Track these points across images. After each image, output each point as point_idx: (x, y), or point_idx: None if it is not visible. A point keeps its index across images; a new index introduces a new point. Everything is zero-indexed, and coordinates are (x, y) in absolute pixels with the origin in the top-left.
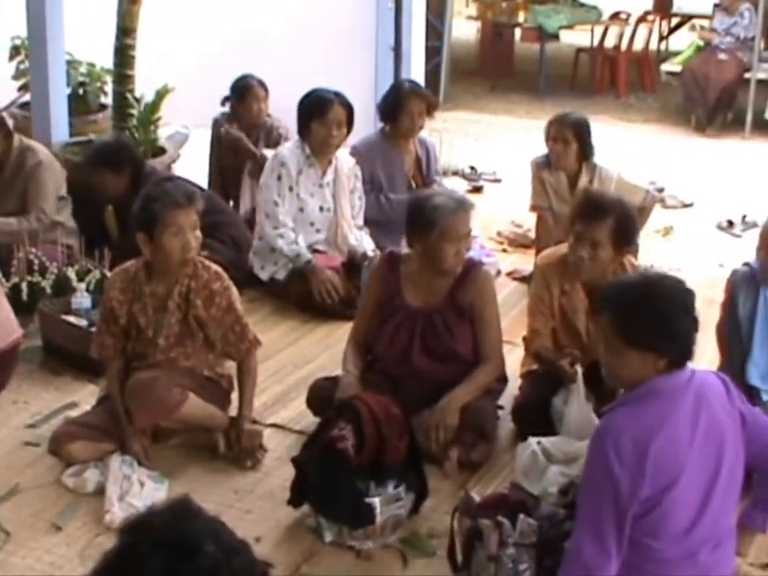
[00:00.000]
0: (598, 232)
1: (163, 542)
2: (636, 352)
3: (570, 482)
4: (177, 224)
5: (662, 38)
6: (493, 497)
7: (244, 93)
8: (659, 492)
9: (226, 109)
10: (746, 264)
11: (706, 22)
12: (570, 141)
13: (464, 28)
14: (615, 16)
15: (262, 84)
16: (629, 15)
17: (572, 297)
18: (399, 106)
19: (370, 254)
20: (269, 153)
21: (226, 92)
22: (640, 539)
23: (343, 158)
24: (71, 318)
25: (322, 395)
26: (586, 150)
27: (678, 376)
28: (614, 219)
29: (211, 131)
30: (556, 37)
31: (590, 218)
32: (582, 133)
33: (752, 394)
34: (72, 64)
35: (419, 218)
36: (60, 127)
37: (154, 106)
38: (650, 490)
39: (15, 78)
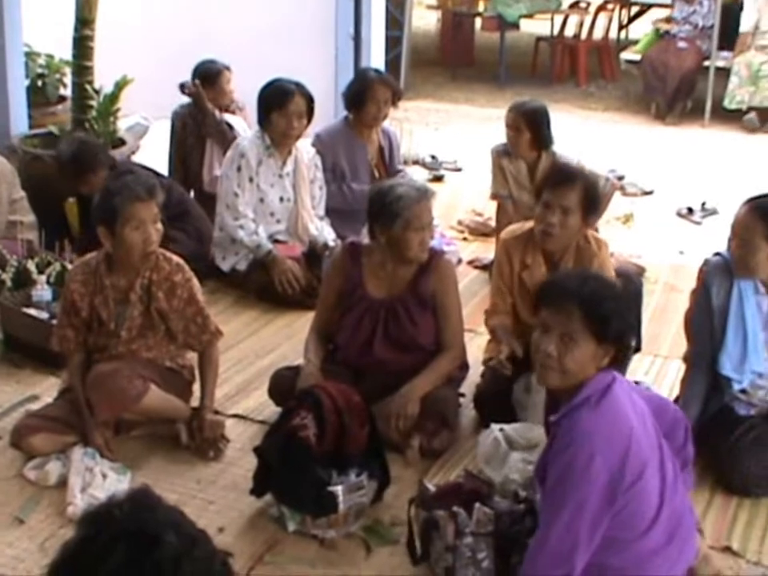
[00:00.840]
0: (568, 198)
1: (124, 533)
2: (593, 345)
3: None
4: (138, 218)
5: (621, 27)
6: (448, 486)
7: (215, 77)
8: (630, 487)
9: (186, 100)
10: (717, 254)
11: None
12: (523, 129)
13: (424, 17)
14: (575, 5)
15: (227, 67)
16: (588, 4)
17: (534, 270)
18: (365, 94)
19: (331, 243)
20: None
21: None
22: (613, 535)
23: (303, 149)
24: (32, 311)
25: (283, 385)
26: (539, 139)
27: (610, 374)
28: (582, 186)
29: (171, 123)
30: (516, 26)
31: (560, 185)
32: (535, 121)
33: (722, 384)
34: (30, 56)
35: (382, 209)
36: (19, 119)
37: (114, 97)
38: (626, 489)
39: None
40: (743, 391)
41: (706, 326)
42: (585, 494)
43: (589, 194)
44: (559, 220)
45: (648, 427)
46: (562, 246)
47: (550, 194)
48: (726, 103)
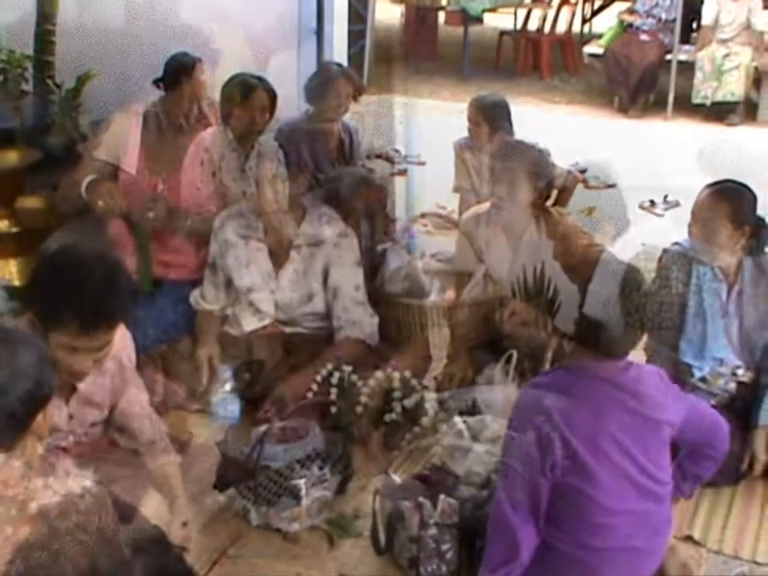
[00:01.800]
0: (512, 171)
1: (81, 529)
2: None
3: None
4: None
5: (584, 21)
6: (413, 478)
7: (192, 68)
8: (574, 465)
9: (158, 95)
10: (676, 243)
11: None
12: (481, 123)
13: (388, 11)
14: None
15: (199, 58)
16: None
17: (496, 246)
18: (327, 87)
19: None
20: None
21: (149, 77)
22: (568, 521)
23: (266, 143)
24: None
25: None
26: (497, 132)
27: (606, 361)
28: (528, 157)
29: (143, 119)
30: (479, 20)
31: (506, 159)
32: (492, 114)
33: (682, 372)
34: None
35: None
36: None
37: (76, 92)
38: (560, 455)
39: None
40: (703, 380)
41: None
42: (520, 455)
43: (533, 165)
44: (507, 193)
45: (633, 431)
46: (517, 219)
47: (497, 168)
48: (693, 98)
